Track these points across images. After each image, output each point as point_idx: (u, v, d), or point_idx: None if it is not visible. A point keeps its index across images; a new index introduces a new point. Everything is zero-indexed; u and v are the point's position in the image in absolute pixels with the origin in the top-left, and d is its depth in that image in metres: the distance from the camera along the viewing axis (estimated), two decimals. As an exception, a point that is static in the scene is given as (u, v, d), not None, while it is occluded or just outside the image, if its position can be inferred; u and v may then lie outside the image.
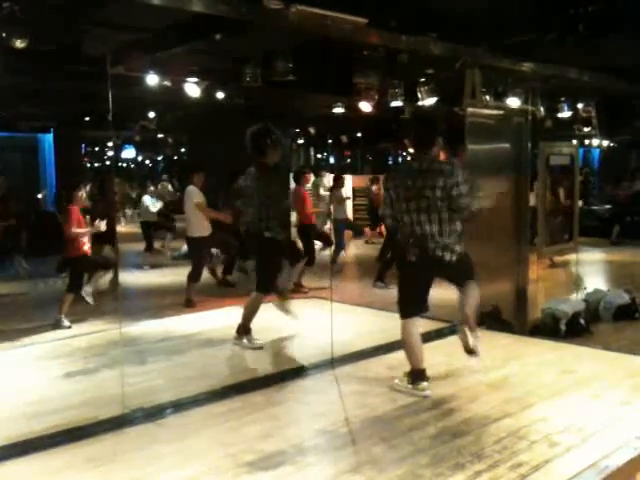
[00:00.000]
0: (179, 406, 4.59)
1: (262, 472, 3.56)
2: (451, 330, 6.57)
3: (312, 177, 12.46)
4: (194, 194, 8.14)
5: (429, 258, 4.63)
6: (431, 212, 4.59)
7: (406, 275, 4.86)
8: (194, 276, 8.08)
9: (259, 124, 6.15)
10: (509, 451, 3.75)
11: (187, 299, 8.04)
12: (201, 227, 8.14)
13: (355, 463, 3.64)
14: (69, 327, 6.96)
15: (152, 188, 13.07)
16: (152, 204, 11.92)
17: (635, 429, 4.02)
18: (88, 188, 11.27)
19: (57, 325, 6.96)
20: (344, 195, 12.49)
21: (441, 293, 8.16)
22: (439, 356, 5.64)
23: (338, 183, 12.34)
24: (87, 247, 7.37)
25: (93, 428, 4.20)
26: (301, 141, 19.55)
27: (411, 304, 4.83)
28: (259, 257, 6.25)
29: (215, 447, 3.88)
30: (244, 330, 6.09)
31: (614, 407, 4.45)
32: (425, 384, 4.72)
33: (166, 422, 4.36)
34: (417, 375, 4.75)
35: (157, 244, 12.72)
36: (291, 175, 10.25)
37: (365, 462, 3.65)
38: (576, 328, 6.43)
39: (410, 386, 4.75)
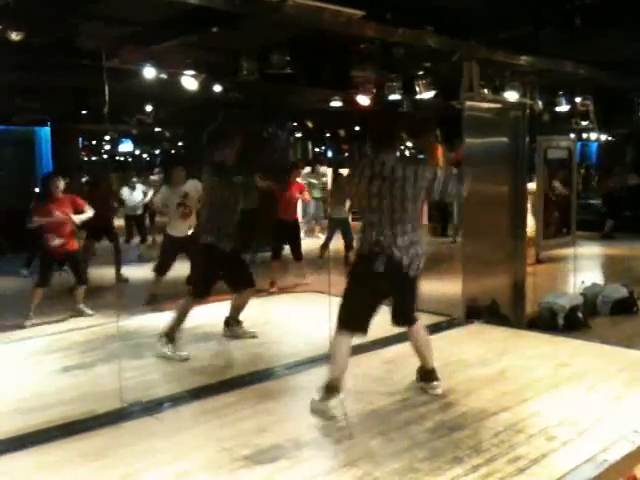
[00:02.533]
0: (175, 400, 4.58)
1: (258, 466, 3.55)
2: (448, 324, 6.58)
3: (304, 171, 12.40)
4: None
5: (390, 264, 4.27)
6: (391, 212, 4.26)
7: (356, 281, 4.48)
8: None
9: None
10: (507, 445, 3.75)
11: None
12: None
13: (352, 457, 3.63)
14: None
15: (134, 179, 12.30)
16: (129, 197, 11.52)
17: (632, 422, 4.02)
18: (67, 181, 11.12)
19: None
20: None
21: (439, 287, 8.21)
22: (436, 350, 5.62)
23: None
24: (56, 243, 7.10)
25: (90, 422, 4.19)
26: (299, 135, 19.50)
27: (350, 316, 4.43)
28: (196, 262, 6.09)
29: (211, 441, 3.87)
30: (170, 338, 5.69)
31: (611, 400, 4.44)
32: (333, 401, 4.25)
33: (162, 416, 4.34)
34: (329, 388, 4.29)
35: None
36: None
37: (362, 456, 3.64)
38: (574, 322, 6.44)
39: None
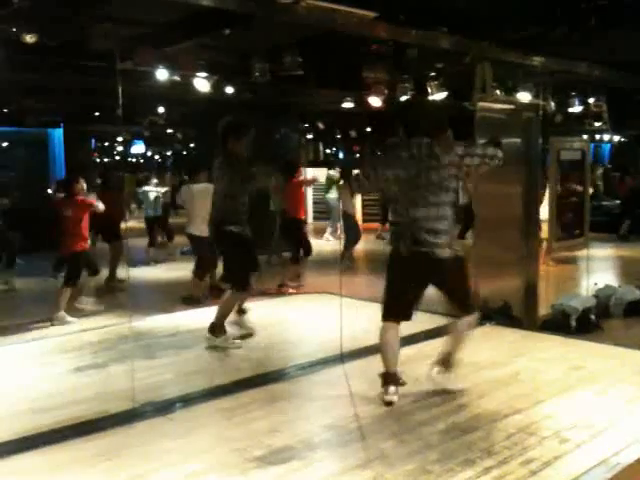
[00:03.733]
0: (187, 401, 4.60)
1: (270, 467, 3.55)
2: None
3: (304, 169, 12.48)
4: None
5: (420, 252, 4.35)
6: (425, 199, 4.31)
7: (395, 270, 4.56)
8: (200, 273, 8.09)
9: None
10: (519, 447, 3.73)
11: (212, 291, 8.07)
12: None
13: (364, 458, 3.63)
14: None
15: (155, 180, 12.36)
16: (146, 198, 11.60)
17: (646, 425, 4.00)
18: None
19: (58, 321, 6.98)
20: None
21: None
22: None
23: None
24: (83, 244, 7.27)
25: (102, 423, 4.21)
26: (310, 136, 19.52)
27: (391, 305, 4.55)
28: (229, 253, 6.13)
29: (223, 442, 3.88)
30: (219, 330, 5.95)
31: (624, 403, 4.42)
32: (392, 389, 4.44)
33: (175, 417, 4.36)
34: (385, 378, 4.48)
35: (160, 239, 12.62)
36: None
37: (374, 457, 3.63)
38: (586, 324, 6.39)
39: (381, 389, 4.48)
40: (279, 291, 8.57)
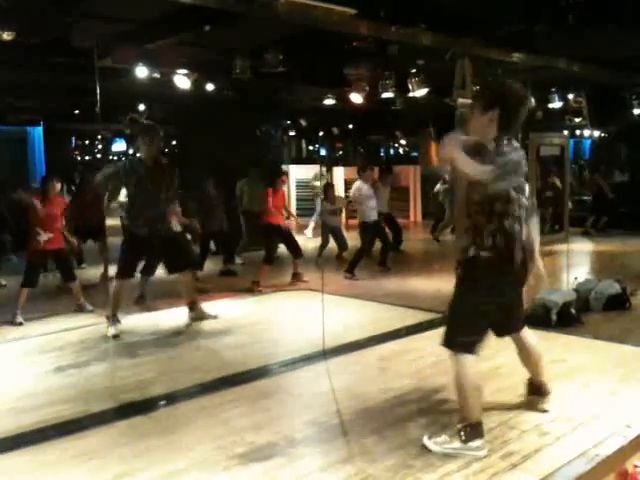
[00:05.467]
0: (170, 399, 4.59)
1: (253, 464, 3.56)
2: (443, 321, 6.58)
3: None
4: None
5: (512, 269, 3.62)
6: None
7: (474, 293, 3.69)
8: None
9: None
10: (500, 441, 3.76)
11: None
12: None
13: (346, 454, 3.65)
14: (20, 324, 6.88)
15: None
16: None
17: (624, 418, 4.04)
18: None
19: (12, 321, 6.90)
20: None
21: (433, 284, 8.23)
22: (430, 347, 5.65)
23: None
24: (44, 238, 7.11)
25: (84, 422, 4.20)
26: (292, 133, 19.49)
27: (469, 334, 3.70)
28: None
29: (206, 440, 3.88)
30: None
31: (604, 396, 4.47)
32: (480, 442, 3.62)
33: (157, 415, 4.35)
34: (471, 430, 3.64)
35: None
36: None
37: (356, 453, 3.65)
38: (567, 318, 6.45)
39: (459, 445, 3.61)
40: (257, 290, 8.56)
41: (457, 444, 3.60)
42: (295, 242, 9.15)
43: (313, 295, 7.60)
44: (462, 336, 3.69)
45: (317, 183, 15.27)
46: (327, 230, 10.95)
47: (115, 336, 6.21)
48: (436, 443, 3.66)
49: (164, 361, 5.56)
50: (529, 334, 4.19)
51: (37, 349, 6.04)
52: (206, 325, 6.62)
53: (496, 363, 5.19)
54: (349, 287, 8.70)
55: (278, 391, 4.79)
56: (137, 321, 6.91)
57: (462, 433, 3.60)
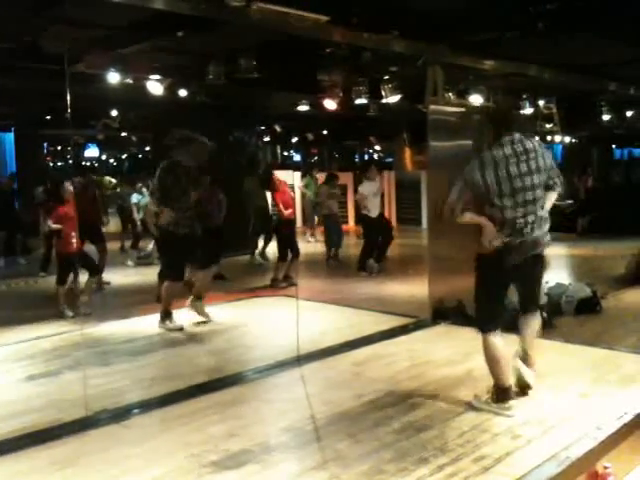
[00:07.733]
0: (143, 407, 4.56)
1: (227, 471, 3.55)
2: (415, 325, 6.63)
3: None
4: None
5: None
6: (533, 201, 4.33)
7: (492, 278, 4.60)
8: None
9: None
10: (472, 444, 3.80)
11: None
12: None
13: (320, 460, 3.66)
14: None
15: (139, 184, 12.16)
16: (141, 202, 11.48)
17: (595, 420, 4.09)
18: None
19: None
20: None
21: (407, 289, 8.27)
22: (404, 351, 5.69)
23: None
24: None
25: (57, 431, 4.15)
26: (267, 139, 19.50)
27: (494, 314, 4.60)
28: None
29: (179, 447, 3.86)
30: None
31: (574, 399, 4.53)
32: (511, 402, 4.31)
33: (130, 423, 4.32)
34: (502, 393, 4.32)
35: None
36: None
37: (330, 458, 3.66)
38: (538, 322, 6.51)
39: (494, 405, 4.31)
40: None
41: (493, 404, 4.29)
42: (297, 243, 9.43)
43: (289, 301, 7.59)
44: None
45: (309, 192, 15.12)
46: (328, 224, 11.15)
47: (180, 329, 6.65)
48: (478, 402, 4.37)
49: (138, 369, 5.51)
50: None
51: (8, 357, 5.96)
52: (179, 332, 6.59)
53: (469, 367, 5.24)
54: (325, 293, 8.71)
55: (252, 398, 4.79)
56: (110, 328, 6.86)
57: (495, 396, 4.29)
